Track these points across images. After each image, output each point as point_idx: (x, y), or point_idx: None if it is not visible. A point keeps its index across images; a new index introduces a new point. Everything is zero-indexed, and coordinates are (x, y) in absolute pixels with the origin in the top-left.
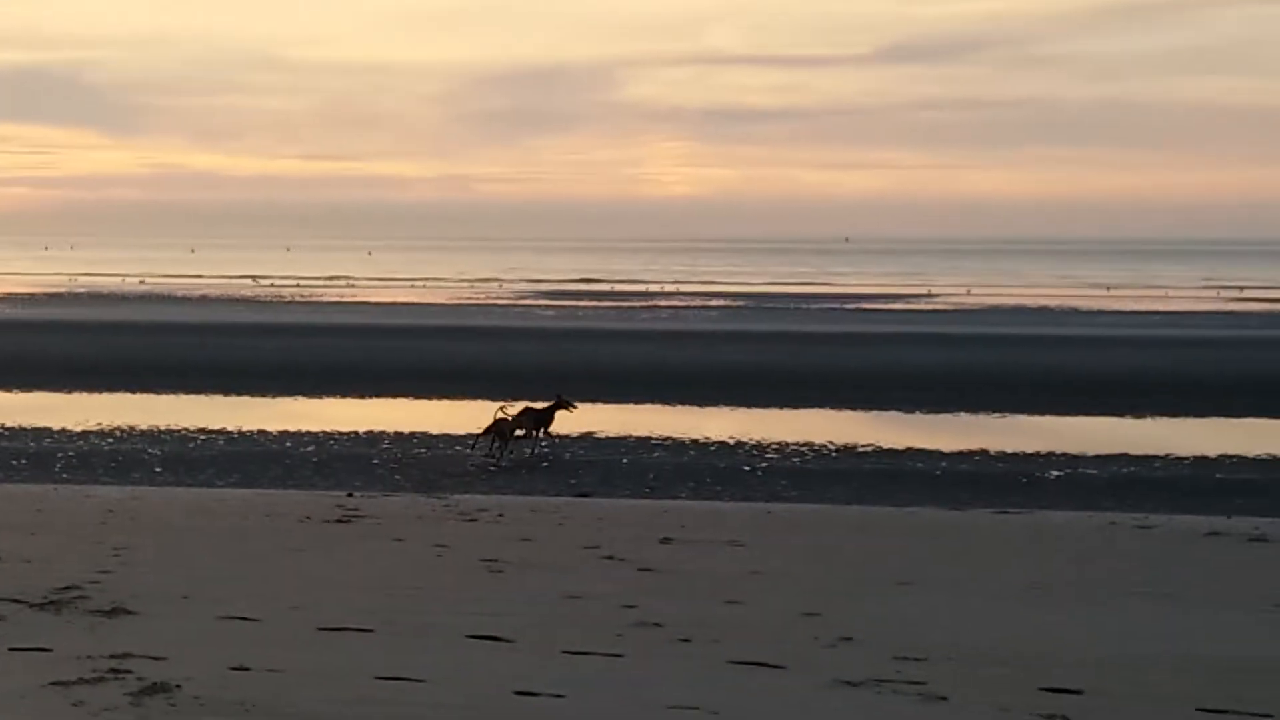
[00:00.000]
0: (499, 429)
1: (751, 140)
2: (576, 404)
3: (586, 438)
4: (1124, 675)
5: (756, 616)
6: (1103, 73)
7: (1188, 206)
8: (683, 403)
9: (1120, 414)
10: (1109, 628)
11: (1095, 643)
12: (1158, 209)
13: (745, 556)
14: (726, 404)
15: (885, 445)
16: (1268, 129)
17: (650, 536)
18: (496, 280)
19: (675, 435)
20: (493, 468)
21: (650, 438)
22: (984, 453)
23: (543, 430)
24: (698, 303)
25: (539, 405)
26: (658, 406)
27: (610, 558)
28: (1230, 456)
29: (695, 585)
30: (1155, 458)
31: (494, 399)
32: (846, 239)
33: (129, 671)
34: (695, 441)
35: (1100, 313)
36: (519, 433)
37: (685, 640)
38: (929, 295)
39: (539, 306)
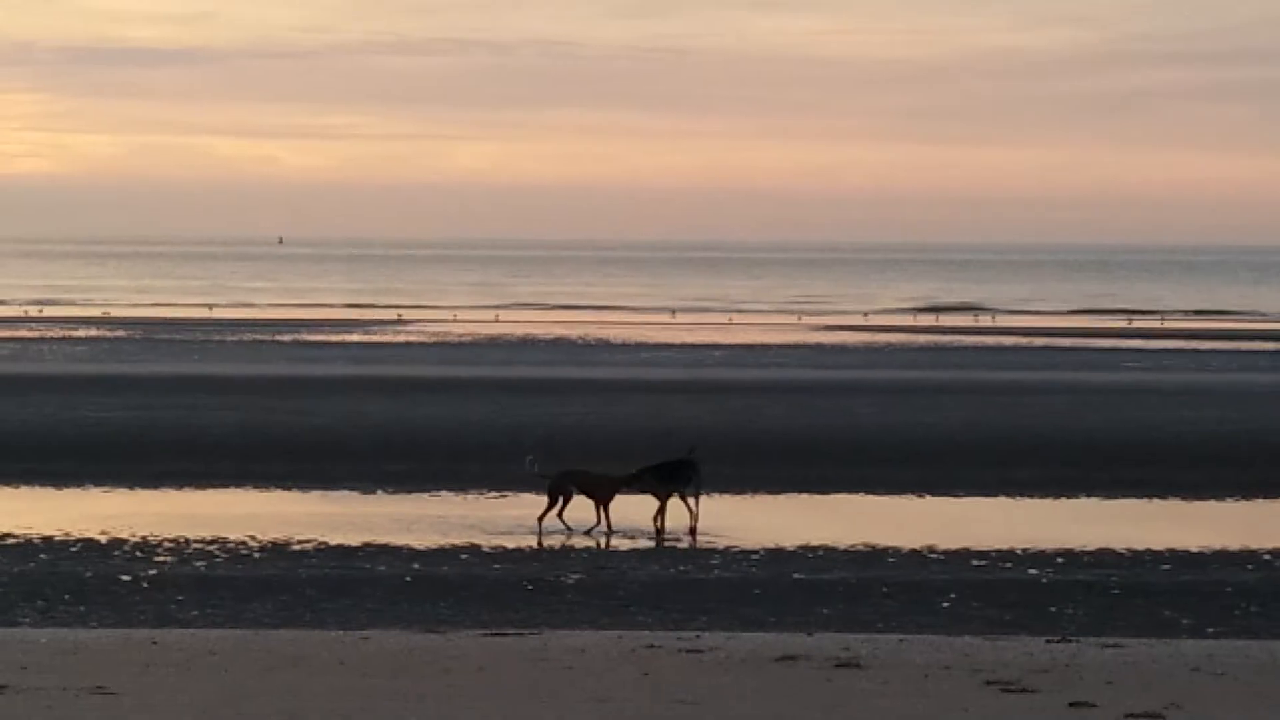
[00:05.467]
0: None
1: (138, 93)
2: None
3: None
4: None
5: None
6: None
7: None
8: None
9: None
10: None
11: None
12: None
13: (115, 710)
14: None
15: (334, 541)
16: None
17: None
18: None
19: (43, 531)
20: None
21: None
22: (473, 549)
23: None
24: (59, 332)
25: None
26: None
27: None
28: (814, 547)
29: None
30: (713, 551)
31: None
32: (280, 239)
33: None
34: (64, 539)
35: (643, 345)
36: None
37: None
38: (399, 321)
39: None
